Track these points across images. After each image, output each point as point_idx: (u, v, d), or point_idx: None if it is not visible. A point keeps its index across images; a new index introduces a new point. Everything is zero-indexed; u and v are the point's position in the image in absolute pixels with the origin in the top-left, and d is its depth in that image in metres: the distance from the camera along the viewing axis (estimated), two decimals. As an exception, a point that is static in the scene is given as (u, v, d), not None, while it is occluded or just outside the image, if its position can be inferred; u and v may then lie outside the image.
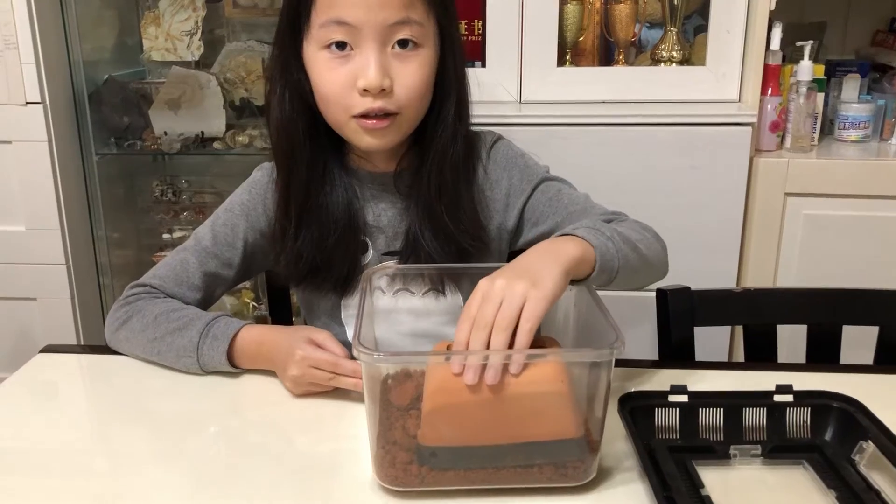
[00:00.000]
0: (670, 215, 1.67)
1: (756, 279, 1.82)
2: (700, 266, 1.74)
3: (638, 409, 0.89)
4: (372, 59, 0.99)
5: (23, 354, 1.22)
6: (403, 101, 1.02)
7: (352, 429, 0.92)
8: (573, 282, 0.88)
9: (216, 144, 2.14)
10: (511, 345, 0.78)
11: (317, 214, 1.09)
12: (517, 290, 0.79)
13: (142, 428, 0.95)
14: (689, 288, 1.15)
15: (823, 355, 1.17)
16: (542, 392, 0.78)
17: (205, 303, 1.14)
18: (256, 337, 1.04)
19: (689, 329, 1.16)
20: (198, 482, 0.84)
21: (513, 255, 1.21)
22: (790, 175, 1.76)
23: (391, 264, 1.05)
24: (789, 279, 1.82)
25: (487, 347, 0.78)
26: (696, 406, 0.90)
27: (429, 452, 0.81)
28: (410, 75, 1.02)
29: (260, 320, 2.25)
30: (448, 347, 0.86)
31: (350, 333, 1.17)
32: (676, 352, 1.15)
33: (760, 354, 1.18)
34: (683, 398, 0.90)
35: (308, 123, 1.07)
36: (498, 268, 1.11)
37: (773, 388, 0.90)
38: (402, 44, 1.01)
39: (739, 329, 1.79)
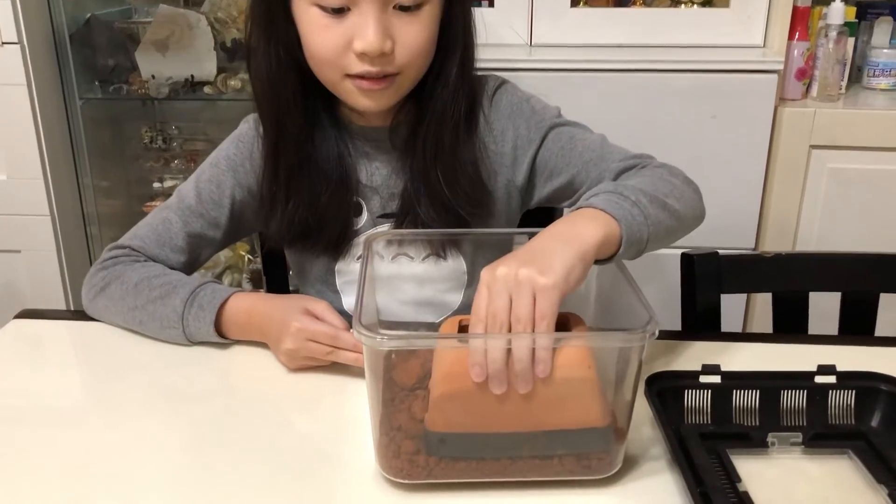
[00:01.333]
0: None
1: (776, 236, 1.73)
2: (718, 222, 1.64)
3: (666, 390, 0.81)
4: (371, 20, 0.88)
5: (8, 309, 1.17)
6: (405, 61, 0.92)
7: (353, 409, 0.84)
8: (597, 261, 0.78)
9: (207, 89, 2.02)
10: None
11: (307, 171, 1.00)
12: (523, 280, 0.69)
13: (121, 407, 0.87)
14: (716, 252, 1.07)
15: (857, 326, 1.09)
16: (567, 378, 0.69)
17: (190, 266, 1.05)
18: (247, 307, 0.95)
19: (715, 296, 1.07)
20: (181, 470, 0.77)
21: (529, 216, 1.13)
22: (816, 126, 1.65)
23: (394, 231, 0.96)
24: (811, 237, 1.73)
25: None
26: (729, 388, 0.82)
27: (437, 439, 0.73)
28: (414, 36, 0.91)
29: (255, 274, 2.17)
30: (459, 324, 0.77)
31: (346, 301, 1.09)
32: (701, 321, 1.07)
33: (789, 325, 1.10)
34: (716, 379, 0.82)
35: (298, 79, 0.96)
36: (505, 235, 1.06)
37: (814, 369, 0.82)
38: (404, 7, 0.90)
39: (756, 297, 1.72)
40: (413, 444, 0.73)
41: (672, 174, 0.96)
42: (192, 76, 2.02)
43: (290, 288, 1.35)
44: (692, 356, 0.94)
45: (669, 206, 0.87)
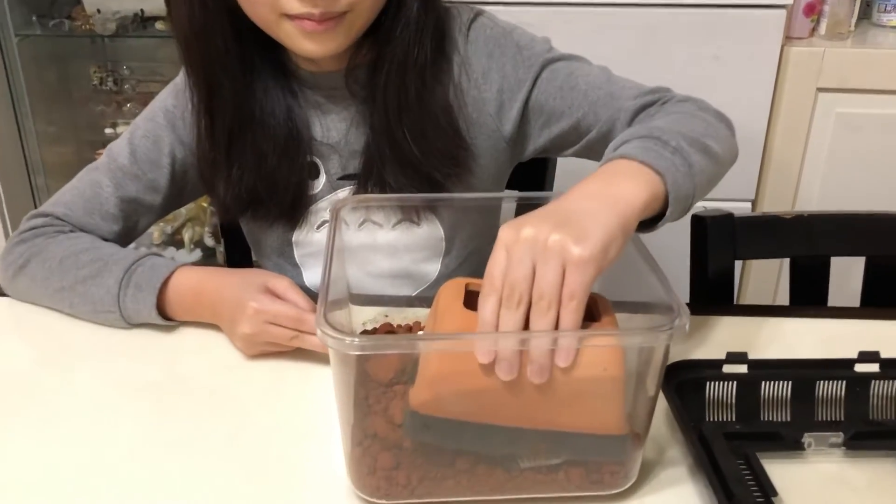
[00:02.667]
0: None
1: (777, 184, 1.62)
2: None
3: (685, 383, 0.70)
4: None
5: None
6: None
7: (321, 404, 0.72)
8: (637, 229, 0.64)
9: (159, 25, 1.85)
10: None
11: (250, 131, 0.85)
12: (553, 247, 0.55)
13: (53, 401, 0.74)
14: (731, 214, 0.95)
15: (882, 294, 0.99)
16: (592, 377, 0.57)
17: (125, 237, 0.91)
18: (194, 284, 0.82)
19: (729, 262, 0.96)
20: (119, 476, 0.64)
21: (519, 172, 1.00)
22: (824, 67, 1.53)
23: (363, 197, 0.82)
24: (814, 187, 1.62)
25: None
26: (757, 379, 0.71)
27: (421, 423, 0.60)
28: None
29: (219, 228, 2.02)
30: (466, 289, 0.64)
31: (307, 277, 0.96)
32: (713, 289, 0.96)
33: (808, 294, 0.99)
34: (742, 369, 0.71)
35: (228, 22, 0.80)
36: (489, 201, 0.93)
37: (855, 356, 0.71)
38: None
39: (751, 263, 1.61)
40: (391, 458, 0.61)
41: (702, 109, 0.82)
42: (142, 10, 1.85)
43: (254, 258, 1.21)
44: (706, 335, 0.83)
45: (710, 148, 0.73)
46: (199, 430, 0.71)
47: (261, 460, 0.67)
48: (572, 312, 0.55)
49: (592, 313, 0.61)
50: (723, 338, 0.83)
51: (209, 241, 2.00)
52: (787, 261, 1.01)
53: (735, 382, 0.70)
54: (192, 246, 1.99)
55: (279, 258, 0.97)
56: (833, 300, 1.00)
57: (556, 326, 0.55)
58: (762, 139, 1.58)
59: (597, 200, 0.61)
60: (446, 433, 0.60)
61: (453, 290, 0.64)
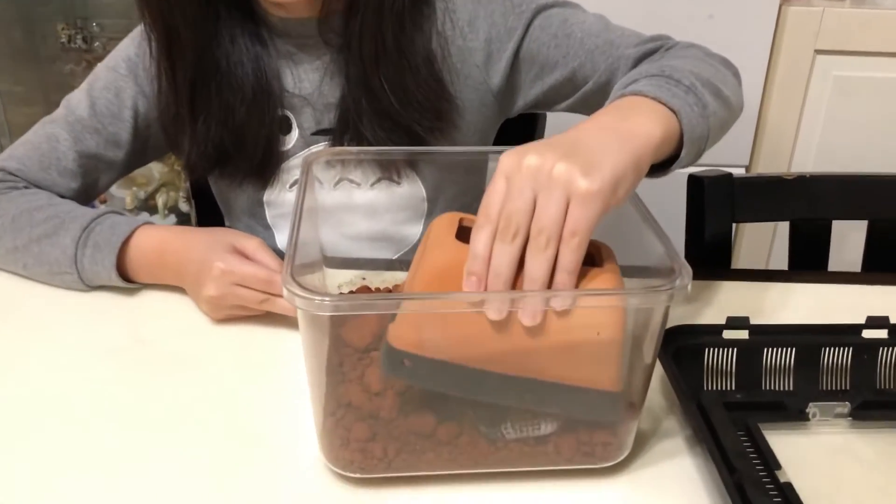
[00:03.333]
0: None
1: (772, 150, 1.58)
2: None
3: (682, 349, 0.65)
4: None
5: None
6: None
7: (292, 372, 0.67)
8: (648, 173, 0.58)
9: (130, -21, 1.75)
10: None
11: (214, 83, 0.79)
12: (557, 178, 0.50)
13: (2, 369, 0.69)
14: (730, 174, 0.90)
15: (885, 259, 0.94)
16: (591, 323, 0.52)
17: (84, 194, 0.85)
18: (156, 244, 0.76)
19: (726, 225, 0.91)
20: (77, 444, 0.59)
21: (510, 128, 0.94)
22: (823, 29, 1.47)
23: (340, 149, 0.76)
24: (809, 152, 1.58)
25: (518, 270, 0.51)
26: (759, 346, 0.66)
27: (399, 358, 0.55)
28: None
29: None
30: (460, 224, 0.58)
31: (279, 239, 0.90)
32: (710, 254, 0.91)
33: (808, 258, 0.94)
34: (743, 335, 0.66)
35: None
36: (474, 154, 0.84)
37: (863, 322, 0.67)
38: None
39: (744, 226, 1.57)
40: (367, 429, 0.56)
41: (708, 55, 0.77)
42: (112, -37, 1.76)
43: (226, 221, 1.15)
44: (703, 301, 0.79)
45: (722, 92, 0.68)
46: (161, 399, 0.65)
47: (226, 432, 0.62)
48: (573, 251, 0.50)
49: (594, 260, 0.56)
50: (720, 304, 0.79)
51: (184, 207, 1.94)
52: (781, 225, 0.96)
53: (735, 349, 0.66)
54: (166, 211, 1.92)
55: (250, 219, 0.91)
56: (830, 267, 0.96)
57: (554, 266, 0.50)
58: (757, 103, 1.53)
59: (610, 133, 0.55)
60: (426, 372, 0.54)
61: (446, 223, 0.58)
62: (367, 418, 0.57)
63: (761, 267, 1.61)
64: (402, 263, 0.86)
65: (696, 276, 0.81)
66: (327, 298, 0.50)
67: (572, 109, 0.86)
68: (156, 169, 1.94)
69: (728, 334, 0.66)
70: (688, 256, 0.92)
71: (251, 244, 0.74)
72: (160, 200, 1.92)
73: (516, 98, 0.87)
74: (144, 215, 1.94)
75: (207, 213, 1.12)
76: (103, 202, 1.90)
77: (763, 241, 1.61)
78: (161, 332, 0.74)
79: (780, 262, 1.63)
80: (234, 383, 0.68)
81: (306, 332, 0.55)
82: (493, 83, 0.85)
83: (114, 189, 1.91)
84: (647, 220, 0.59)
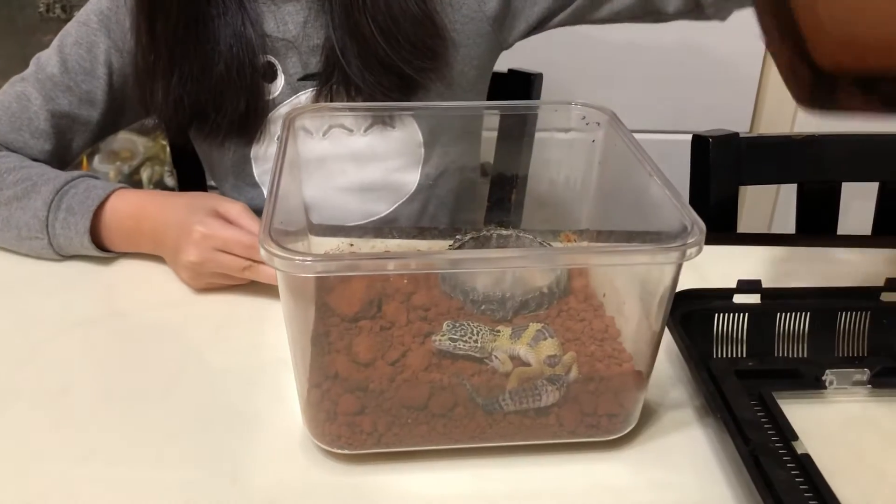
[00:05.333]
0: (681, 33, 1.36)
1: (774, 115, 1.53)
2: (710, 100, 1.46)
3: (691, 315, 0.62)
4: None
5: None
6: None
7: (277, 344, 0.63)
8: None
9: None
10: None
11: (195, 30, 0.74)
12: None
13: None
14: (737, 134, 0.85)
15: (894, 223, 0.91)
16: None
17: (58, 157, 0.80)
18: (133, 208, 0.72)
19: (732, 188, 0.87)
20: (48, 422, 0.55)
21: (504, 85, 0.89)
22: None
23: (320, 105, 0.71)
24: (812, 117, 1.53)
25: None
26: (772, 310, 0.62)
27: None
28: None
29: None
30: None
31: (268, 197, 0.85)
32: (714, 218, 0.87)
33: (816, 222, 0.90)
34: (755, 299, 0.63)
35: None
36: (475, 110, 0.83)
37: (882, 284, 0.63)
38: None
39: (744, 190, 1.52)
40: (355, 401, 0.53)
41: None
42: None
43: (211, 183, 1.10)
44: (710, 266, 0.74)
45: None
46: (139, 371, 0.61)
47: (206, 407, 0.58)
48: None
49: None
50: (727, 270, 0.74)
51: (169, 181, 1.88)
52: (784, 187, 0.92)
53: (747, 314, 0.62)
54: (151, 186, 1.87)
55: (237, 179, 0.86)
56: (838, 232, 0.92)
57: None
58: (759, 67, 1.48)
59: None
60: None
61: None
62: (356, 390, 0.53)
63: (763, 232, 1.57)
64: (393, 230, 0.82)
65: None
66: (309, 258, 0.45)
67: (566, 23, 0.83)
68: (140, 143, 1.89)
69: (739, 299, 0.63)
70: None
71: (234, 208, 0.70)
72: (145, 175, 1.86)
73: (516, 22, 0.83)
74: (129, 190, 1.89)
75: (190, 185, 1.08)
76: (87, 177, 1.85)
77: (765, 206, 1.56)
78: (138, 302, 0.70)
79: (783, 226, 1.60)
80: (215, 356, 0.63)
81: (287, 298, 0.50)
82: (489, 9, 0.81)
83: (97, 163, 1.86)
84: (656, 172, 0.55)
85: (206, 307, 0.69)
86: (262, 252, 0.46)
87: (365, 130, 0.79)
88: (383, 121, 0.79)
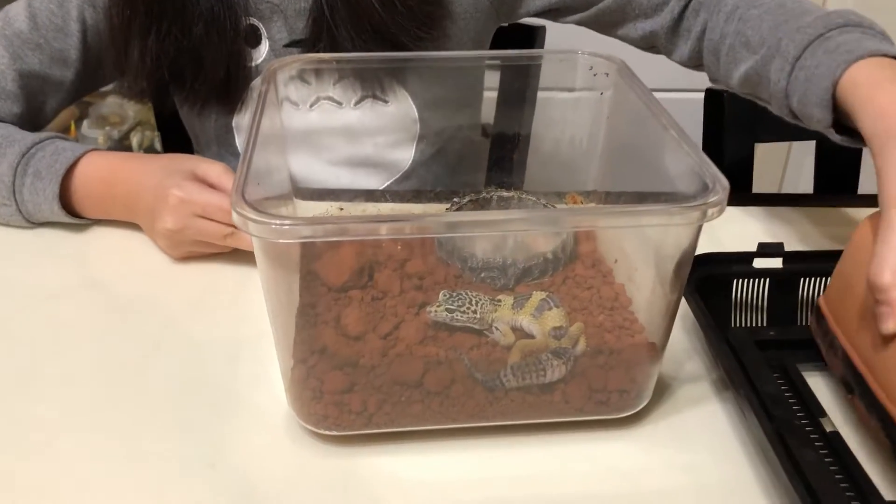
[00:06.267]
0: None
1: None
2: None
3: (707, 281, 0.57)
4: None
5: None
6: None
7: (260, 317, 0.58)
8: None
9: None
10: None
11: None
12: None
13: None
14: (753, 88, 0.80)
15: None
16: None
17: (29, 120, 0.75)
18: (104, 172, 0.67)
19: (748, 145, 0.82)
20: (21, 397, 0.51)
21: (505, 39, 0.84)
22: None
23: (308, 56, 0.66)
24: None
25: None
26: (795, 275, 0.58)
27: None
28: None
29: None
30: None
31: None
32: (728, 178, 0.82)
33: (834, 182, 0.86)
34: (776, 263, 0.58)
35: None
36: (469, 61, 0.77)
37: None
38: None
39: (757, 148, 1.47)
40: (344, 378, 0.48)
41: None
42: None
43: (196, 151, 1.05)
44: (725, 228, 0.70)
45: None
46: (113, 347, 0.57)
47: (184, 384, 0.54)
48: None
49: None
50: (744, 231, 0.70)
51: (160, 147, 1.83)
52: (797, 145, 0.87)
53: (768, 279, 0.58)
54: (141, 152, 1.82)
55: (220, 147, 0.82)
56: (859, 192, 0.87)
57: None
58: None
59: None
60: None
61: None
62: (344, 366, 0.49)
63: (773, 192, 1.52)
64: (386, 193, 0.77)
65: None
66: (289, 222, 0.41)
67: (582, 23, 0.77)
68: (130, 107, 1.83)
69: (759, 263, 0.58)
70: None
71: (214, 169, 0.65)
72: (134, 140, 1.81)
73: (518, 5, 0.77)
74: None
75: (175, 149, 1.02)
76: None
77: (775, 165, 1.51)
78: (113, 273, 0.65)
79: (794, 187, 1.54)
80: (194, 329, 0.59)
81: (266, 267, 0.46)
82: None
83: (85, 128, 1.81)
84: (672, 127, 0.50)
85: (186, 277, 0.64)
86: (234, 216, 0.41)
87: (355, 104, 0.74)
88: (374, 94, 0.73)
